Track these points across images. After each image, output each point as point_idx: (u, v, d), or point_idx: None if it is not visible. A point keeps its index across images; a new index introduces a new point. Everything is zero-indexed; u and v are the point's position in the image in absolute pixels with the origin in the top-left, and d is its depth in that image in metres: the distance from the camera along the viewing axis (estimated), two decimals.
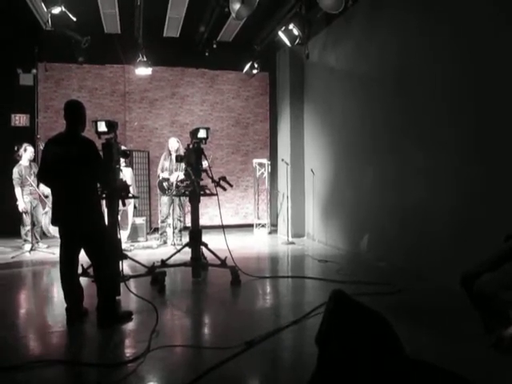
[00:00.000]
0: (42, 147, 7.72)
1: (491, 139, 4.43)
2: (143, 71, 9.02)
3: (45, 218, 7.88)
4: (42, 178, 4.22)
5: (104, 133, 4.74)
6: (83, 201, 3.89)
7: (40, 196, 7.67)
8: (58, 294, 5.04)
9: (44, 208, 7.88)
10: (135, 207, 8.45)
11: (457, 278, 3.33)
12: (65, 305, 4.00)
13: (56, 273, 5.93)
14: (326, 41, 8.14)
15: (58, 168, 3.84)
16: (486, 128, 4.49)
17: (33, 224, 7.54)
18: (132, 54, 8.86)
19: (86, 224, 3.89)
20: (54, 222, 4.03)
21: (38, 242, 7.66)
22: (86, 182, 3.91)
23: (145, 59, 8.77)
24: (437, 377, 2.10)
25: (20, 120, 9.57)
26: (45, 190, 7.66)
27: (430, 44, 5.33)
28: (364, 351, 2.11)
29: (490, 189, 4.40)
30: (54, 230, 7.82)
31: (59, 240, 4.05)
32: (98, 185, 4.26)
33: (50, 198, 7.54)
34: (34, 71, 9.56)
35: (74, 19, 6.78)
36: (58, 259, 4.03)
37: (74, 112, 4.00)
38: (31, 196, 7.53)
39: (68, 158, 3.79)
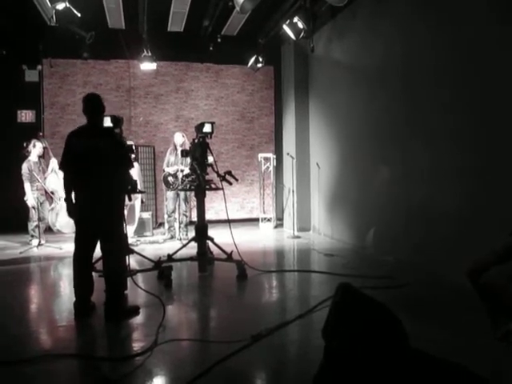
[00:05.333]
0: (44, 144, 7.79)
1: (497, 134, 4.39)
2: (148, 66, 9.01)
3: (51, 214, 7.92)
4: (65, 169, 4.04)
5: (110, 128, 4.74)
6: (106, 193, 3.91)
7: (46, 192, 7.70)
8: (65, 288, 5.09)
9: (50, 204, 7.92)
10: (142, 202, 8.48)
11: (462, 272, 3.32)
12: (73, 299, 4.03)
13: (63, 268, 6.02)
14: (330, 34, 8.09)
15: (87, 159, 3.85)
16: (492, 123, 4.46)
17: (39, 220, 7.57)
18: (136, 49, 8.85)
19: (108, 221, 3.93)
20: (72, 214, 4.02)
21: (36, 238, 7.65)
22: (113, 176, 3.93)
23: (149, 54, 8.76)
24: (441, 368, 2.10)
25: (26, 116, 9.61)
26: (50, 185, 7.71)
27: (434, 38, 5.29)
28: (370, 343, 2.11)
29: (494, 184, 4.38)
30: (61, 226, 7.89)
31: (64, 236, 4.06)
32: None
33: (57, 194, 7.69)
34: (39, 67, 9.59)
35: (79, 15, 6.77)
36: (67, 254, 4.05)
37: (97, 104, 4.03)
38: (38, 192, 7.56)
39: (97, 149, 3.82)
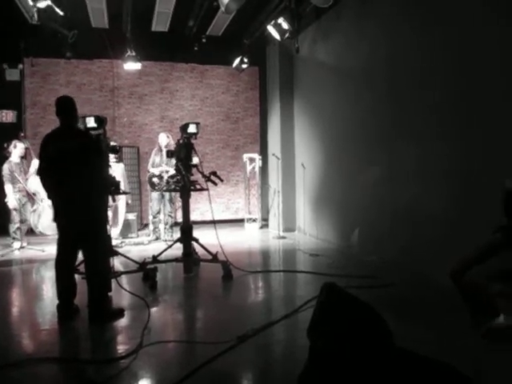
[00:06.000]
0: (26, 145, 7.68)
1: (481, 135, 4.44)
2: (132, 66, 8.93)
3: (33, 215, 7.81)
4: (42, 174, 4.02)
5: (93, 128, 4.70)
6: (84, 195, 3.86)
7: (28, 193, 7.59)
8: (48, 291, 5.02)
9: (32, 206, 7.81)
10: (128, 203, 8.41)
11: (446, 272, 3.36)
12: (56, 302, 3.98)
13: (46, 270, 5.93)
14: (315, 35, 8.12)
15: (60, 162, 3.81)
16: (478, 125, 4.51)
17: (21, 222, 7.46)
18: (120, 48, 8.78)
19: (85, 219, 3.88)
20: (54, 218, 4.01)
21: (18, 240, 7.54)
22: (87, 176, 3.89)
23: (133, 54, 8.69)
24: (426, 367, 2.12)
25: (7, 116, 9.43)
26: (32, 187, 7.60)
27: (419, 39, 5.34)
28: (354, 342, 2.12)
29: (479, 185, 4.43)
30: (43, 228, 7.79)
31: (47, 238, 4.03)
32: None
33: (39, 195, 7.58)
34: (21, 66, 9.43)
35: (61, 13, 6.69)
36: (50, 256, 4.01)
37: (68, 107, 4.00)
38: (20, 193, 7.45)
39: (70, 151, 3.78)
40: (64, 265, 4.00)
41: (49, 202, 4.11)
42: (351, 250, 6.85)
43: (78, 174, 3.85)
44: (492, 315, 3.12)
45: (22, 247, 7.31)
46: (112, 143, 5.72)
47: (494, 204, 3.42)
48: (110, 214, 6.57)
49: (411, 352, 2.19)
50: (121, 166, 8.02)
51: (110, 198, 4.76)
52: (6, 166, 7.28)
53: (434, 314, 3.92)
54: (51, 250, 4.78)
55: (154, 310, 4.14)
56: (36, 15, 6.71)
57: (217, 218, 9.01)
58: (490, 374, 2.76)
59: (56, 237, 4.10)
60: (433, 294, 4.52)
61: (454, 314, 3.67)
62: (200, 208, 10.40)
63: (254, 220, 10.16)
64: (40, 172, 4.05)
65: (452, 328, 3.51)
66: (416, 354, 2.18)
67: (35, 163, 7.67)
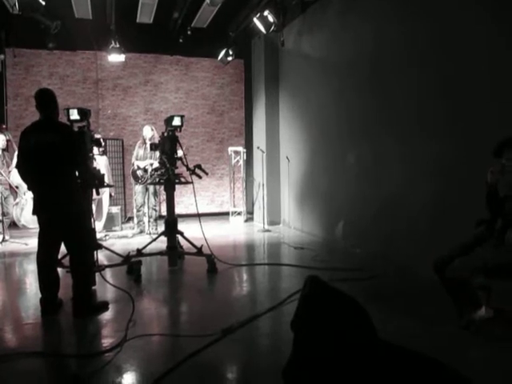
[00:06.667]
0: (8, 137, 7.56)
1: (466, 127, 4.50)
2: (116, 58, 8.83)
3: (16, 208, 7.71)
4: (21, 168, 3.97)
5: (76, 121, 4.66)
6: (63, 189, 3.83)
7: (11, 186, 7.49)
8: (31, 285, 4.98)
9: (15, 199, 7.71)
10: (111, 196, 8.35)
11: (430, 264, 3.42)
12: (39, 296, 3.95)
13: (29, 264, 5.87)
14: (301, 28, 8.12)
15: (40, 155, 3.76)
16: (462, 116, 4.56)
17: (3, 215, 7.36)
18: (104, 40, 8.67)
19: (66, 213, 3.84)
20: (34, 211, 3.97)
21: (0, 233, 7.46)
22: (66, 169, 3.85)
23: (117, 45, 8.59)
24: (408, 359, 2.16)
25: None
26: (15, 180, 7.49)
27: (404, 32, 5.37)
28: (338, 335, 2.15)
29: (463, 176, 4.49)
30: (26, 221, 7.69)
31: (29, 231, 3.99)
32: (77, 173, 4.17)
33: (21, 188, 7.48)
34: (2, 57, 9.22)
35: (43, 3, 6.56)
36: (33, 250, 3.97)
37: (47, 100, 3.94)
38: (2, 186, 7.34)
39: (49, 144, 3.74)
40: (46, 258, 3.97)
41: (31, 195, 4.05)
42: (336, 243, 6.91)
43: (58, 167, 3.80)
44: (474, 308, 3.18)
45: (4, 240, 7.22)
46: (96, 136, 5.67)
47: (477, 198, 3.47)
48: (93, 207, 6.52)
49: (394, 345, 2.22)
50: (104, 158, 7.94)
51: (94, 192, 4.72)
52: None
53: (417, 306, 3.98)
54: (34, 243, 4.73)
55: (138, 303, 4.13)
56: (17, 5, 6.58)
57: (201, 211, 8.99)
58: (472, 365, 2.82)
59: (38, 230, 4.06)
60: (416, 286, 4.59)
61: (437, 306, 3.73)
62: (185, 201, 10.37)
63: (239, 213, 10.17)
64: (19, 165, 4.00)
65: (435, 320, 3.57)
66: (400, 347, 2.21)
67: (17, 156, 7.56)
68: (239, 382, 2.82)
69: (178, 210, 6.52)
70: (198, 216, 5.90)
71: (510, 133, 3.28)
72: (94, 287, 4.40)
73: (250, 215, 10.23)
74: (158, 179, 5.79)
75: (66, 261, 4.17)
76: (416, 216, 5.18)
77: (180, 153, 5.72)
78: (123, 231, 8.44)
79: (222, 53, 9.26)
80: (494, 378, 2.63)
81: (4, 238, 7.23)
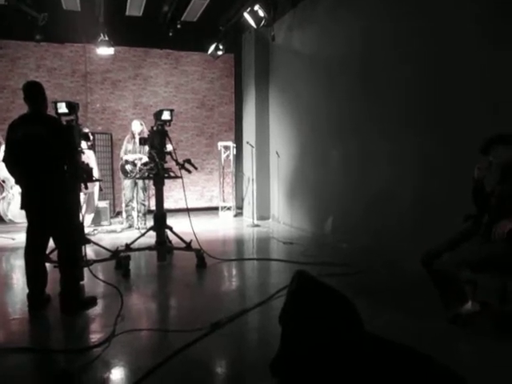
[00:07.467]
0: None
1: (454, 126, 4.54)
2: (105, 51, 8.74)
3: (2, 203, 7.64)
4: (8, 161, 3.92)
5: (64, 114, 4.62)
6: (51, 183, 3.79)
7: None
8: (18, 280, 4.94)
9: (2, 193, 7.62)
10: (101, 189, 8.29)
11: (417, 259, 3.45)
12: (26, 291, 3.92)
13: (16, 259, 5.82)
14: (291, 23, 8.10)
15: (28, 148, 3.72)
16: (450, 114, 4.60)
17: None
18: (93, 32, 8.57)
19: (54, 207, 3.81)
20: (21, 205, 3.93)
21: None
22: (54, 163, 3.81)
23: (106, 38, 8.50)
24: (395, 352, 2.18)
25: None
26: (1, 174, 7.41)
27: (395, 29, 5.39)
28: (325, 329, 2.16)
29: (451, 172, 4.54)
30: (13, 216, 7.62)
31: (16, 226, 3.95)
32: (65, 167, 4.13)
33: (8, 182, 7.40)
34: None
35: None
36: (20, 244, 3.93)
37: (35, 93, 3.89)
38: None
39: (37, 137, 3.70)
40: (33, 253, 3.93)
41: (19, 189, 4.01)
42: (325, 238, 6.94)
43: (47, 161, 3.77)
44: (460, 302, 3.22)
45: None
46: (85, 130, 5.63)
47: (464, 194, 3.51)
48: (82, 201, 6.47)
49: (381, 338, 2.25)
50: (91, 152, 7.88)
51: (83, 186, 4.68)
52: None
53: (406, 300, 4.01)
54: (21, 237, 4.70)
55: (126, 298, 4.11)
56: None
57: (191, 206, 8.98)
58: (460, 358, 2.85)
59: (26, 225, 4.02)
60: (405, 280, 4.63)
61: (425, 301, 3.77)
62: (174, 196, 10.34)
63: (229, 208, 10.17)
64: (6, 158, 3.95)
65: (422, 314, 3.61)
66: (386, 340, 2.23)
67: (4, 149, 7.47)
68: (228, 376, 2.82)
69: (167, 205, 6.51)
70: (188, 211, 5.89)
71: (496, 131, 3.32)
72: (82, 282, 4.38)
73: (239, 210, 10.23)
74: (147, 174, 5.76)
75: (54, 255, 4.14)
76: (404, 211, 5.22)
77: (169, 147, 5.69)
78: (112, 226, 8.39)
79: (212, 47, 9.21)
80: (482, 372, 2.66)
81: None
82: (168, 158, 5.68)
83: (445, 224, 3.97)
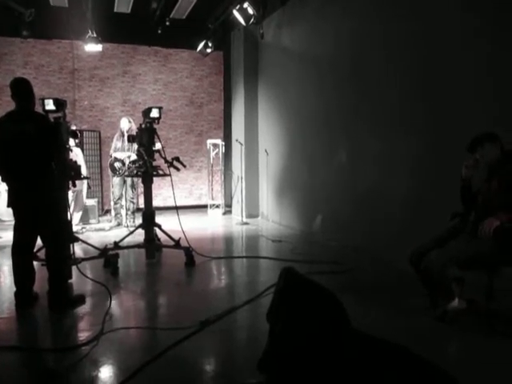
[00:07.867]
0: None
1: (443, 125, 4.57)
2: (93, 48, 8.67)
3: None
4: None
5: (52, 111, 4.58)
6: (39, 180, 3.76)
7: None
8: (5, 278, 4.90)
9: None
10: (89, 187, 8.23)
11: (406, 257, 3.49)
12: (14, 289, 3.89)
13: (3, 257, 5.77)
14: (280, 21, 8.11)
15: (14, 146, 3.69)
16: (438, 113, 4.63)
17: None
18: (81, 29, 8.50)
19: (42, 205, 3.78)
20: (8, 203, 3.89)
21: None
22: (42, 160, 3.78)
23: (94, 35, 8.44)
24: (382, 349, 2.20)
25: None
26: None
27: (384, 27, 5.41)
28: (312, 326, 2.17)
29: (439, 171, 4.57)
30: (0, 214, 7.54)
31: (3, 224, 3.91)
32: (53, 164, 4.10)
33: None
34: None
35: None
36: (7, 243, 3.90)
37: (23, 89, 3.85)
38: None
39: (25, 134, 3.66)
40: (21, 251, 3.90)
41: (5, 187, 3.97)
42: (314, 236, 6.97)
43: (34, 158, 3.74)
44: (448, 299, 3.26)
45: None
46: (72, 127, 5.58)
47: (452, 192, 3.55)
48: (70, 199, 6.42)
49: (368, 335, 2.26)
50: (79, 151, 7.83)
51: (71, 183, 4.65)
52: None
53: (394, 298, 4.04)
54: (9, 236, 4.65)
55: (115, 296, 4.11)
56: None
57: (180, 203, 8.97)
58: (445, 355, 2.89)
59: (13, 222, 3.99)
60: (392, 278, 4.66)
61: (413, 298, 3.81)
62: (163, 194, 10.31)
63: (218, 206, 10.16)
64: None
65: (411, 311, 3.64)
66: (373, 337, 2.25)
67: None
68: (217, 374, 2.83)
69: (155, 203, 6.50)
70: (176, 209, 5.88)
71: (483, 130, 3.36)
72: (70, 280, 4.34)
73: (228, 208, 10.23)
74: (135, 171, 5.74)
75: (42, 254, 4.12)
76: (393, 210, 5.25)
77: (158, 145, 5.67)
78: (100, 224, 8.35)
79: (201, 44, 9.19)
80: (469, 368, 2.69)
81: None
82: (157, 155, 5.66)
83: (433, 223, 4.01)
